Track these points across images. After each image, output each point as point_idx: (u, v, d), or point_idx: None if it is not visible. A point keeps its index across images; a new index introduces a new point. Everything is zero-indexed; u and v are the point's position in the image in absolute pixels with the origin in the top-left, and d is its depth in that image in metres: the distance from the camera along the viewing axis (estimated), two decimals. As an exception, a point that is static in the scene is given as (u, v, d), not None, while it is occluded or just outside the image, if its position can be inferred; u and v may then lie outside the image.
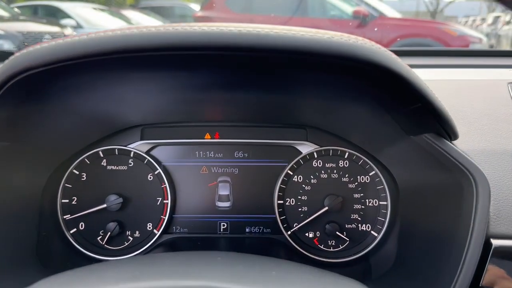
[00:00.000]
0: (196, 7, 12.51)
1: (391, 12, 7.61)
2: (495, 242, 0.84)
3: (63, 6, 8.59)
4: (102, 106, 1.07)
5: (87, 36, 0.69)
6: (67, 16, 8.24)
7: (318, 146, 1.27)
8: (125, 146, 1.27)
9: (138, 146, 1.28)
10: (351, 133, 1.22)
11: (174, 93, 1.03)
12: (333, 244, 1.25)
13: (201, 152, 1.31)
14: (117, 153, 1.27)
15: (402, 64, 0.72)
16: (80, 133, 1.19)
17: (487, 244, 0.83)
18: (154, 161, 1.26)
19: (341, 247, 1.24)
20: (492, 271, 0.83)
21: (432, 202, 0.99)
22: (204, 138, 1.29)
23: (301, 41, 0.67)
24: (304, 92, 1.00)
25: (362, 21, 6.90)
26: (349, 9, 7.49)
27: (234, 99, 1.10)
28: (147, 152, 1.28)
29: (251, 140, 1.29)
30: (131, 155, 1.27)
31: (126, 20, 9.31)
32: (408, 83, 0.73)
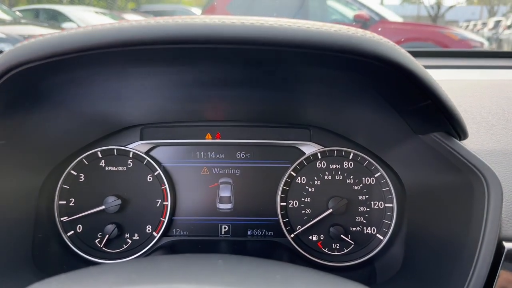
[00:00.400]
0: (197, 11, 12.55)
1: (392, 16, 7.60)
2: (508, 245, 0.80)
3: (65, 10, 8.60)
4: (101, 104, 1.04)
5: (84, 29, 0.67)
6: (68, 19, 8.24)
7: (322, 147, 1.24)
8: (124, 146, 1.25)
9: (138, 147, 1.25)
10: (356, 133, 1.20)
11: (175, 91, 1.01)
12: (337, 247, 1.22)
13: (202, 152, 1.28)
14: (115, 154, 1.24)
15: (411, 59, 0.70)
16: (78, 133, 1.16)
17: (499, 248, 0.79)
18: (154, 162, 1.24)
19: (345, 251, 1.22)
20: (504, 275, 0.79)
21: (440, 204, 0.96)
22: (205, 138, 1.27)
23: (307, 33, 0.64)
24: (308, 89, 0.97)
25: (363, 26, 6.88)
26: (350, 13, 7.49)
27: (236, 97, 1.07)
28: (147, 153, 1.26)
29: (253, 140, 1.26)
30: (130, 155, 1.24)
31: (128, 24, 9.30)
32: (418, 78, 0.70)
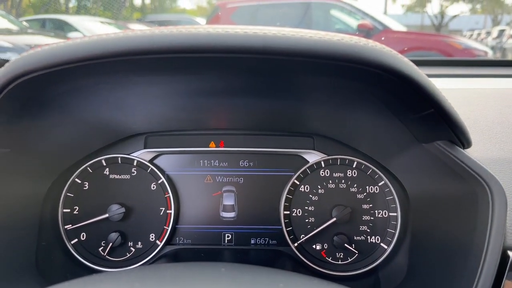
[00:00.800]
0: (202, 21, 12.66)
1: (396, 26, 7.62)
2: (513, 255, 0.80)
3: (71, 19, 8.68)
4: (105, 112, 1.05)
5: (89, 39, 0.68)
6: (74, 29, 8.31)
7: (325, 155, 1.24)
8: (128, 154, 1.25)
9: (142, 155, 1.26)
10: (360, 142, 1.20)
11: (179, 99, 1.01)
12: (341, 256, 1.21)
13: (206, 161, 1.28)
14: (120, 162, 1.25)
15: (414, 67, 0.70)
16: (82, 141, 1.17)
17: (504, 257, 0.78)
18: (158, 170, 1.24)
19: (349, 260, 1.21)
20: (510, 285, 0.79)
21: (444, 213, 0.96)
22: (208, 147, 1.27)
23: (310, 42, 0.64)
24: (311, 98, 0.98)
25: (367, 35, 6.91)
26: (353, 23, 7.53)
27: (240, 106, 1.08)
28: (151, 161, 1.26)
29: (256, 148, 1.26)
30: (134, 163, 1.25)
31: (133, 33, 9.37)
32: (420, 87, 0.70)
